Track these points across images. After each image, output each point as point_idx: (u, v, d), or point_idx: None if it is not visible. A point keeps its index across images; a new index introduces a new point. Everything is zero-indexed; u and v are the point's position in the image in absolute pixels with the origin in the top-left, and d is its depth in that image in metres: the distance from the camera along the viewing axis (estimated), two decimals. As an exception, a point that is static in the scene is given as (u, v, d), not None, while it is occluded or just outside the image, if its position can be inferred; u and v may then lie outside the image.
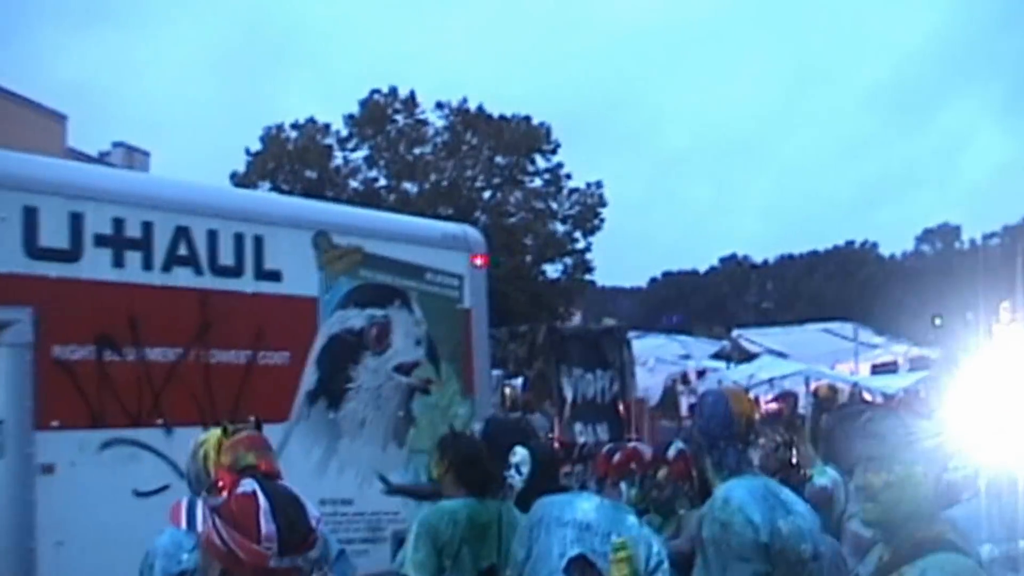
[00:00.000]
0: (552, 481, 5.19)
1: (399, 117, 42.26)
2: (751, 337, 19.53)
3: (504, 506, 4.84)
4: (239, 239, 6.57)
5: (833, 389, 13.78)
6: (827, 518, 5.36)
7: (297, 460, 6.75)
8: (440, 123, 42.70)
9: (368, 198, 41.60)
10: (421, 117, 42.55)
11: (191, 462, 4.04)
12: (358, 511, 7.07)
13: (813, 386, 14.49)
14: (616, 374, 10.37)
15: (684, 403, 15.82)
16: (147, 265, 6.10)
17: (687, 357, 17.63)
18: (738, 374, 15.64)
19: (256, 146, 41.05)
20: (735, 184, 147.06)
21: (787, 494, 3.85)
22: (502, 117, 42.67)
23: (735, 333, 19.55)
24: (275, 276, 6.78)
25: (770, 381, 15.02)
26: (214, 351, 6.38)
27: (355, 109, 42.00)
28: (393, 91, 42.24)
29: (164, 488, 5.92)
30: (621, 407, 10.44)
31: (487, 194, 43.15)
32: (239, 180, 40.42)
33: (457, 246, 7.88)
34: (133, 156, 35.14)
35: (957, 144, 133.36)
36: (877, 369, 19.63)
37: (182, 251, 6.27)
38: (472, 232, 8.19)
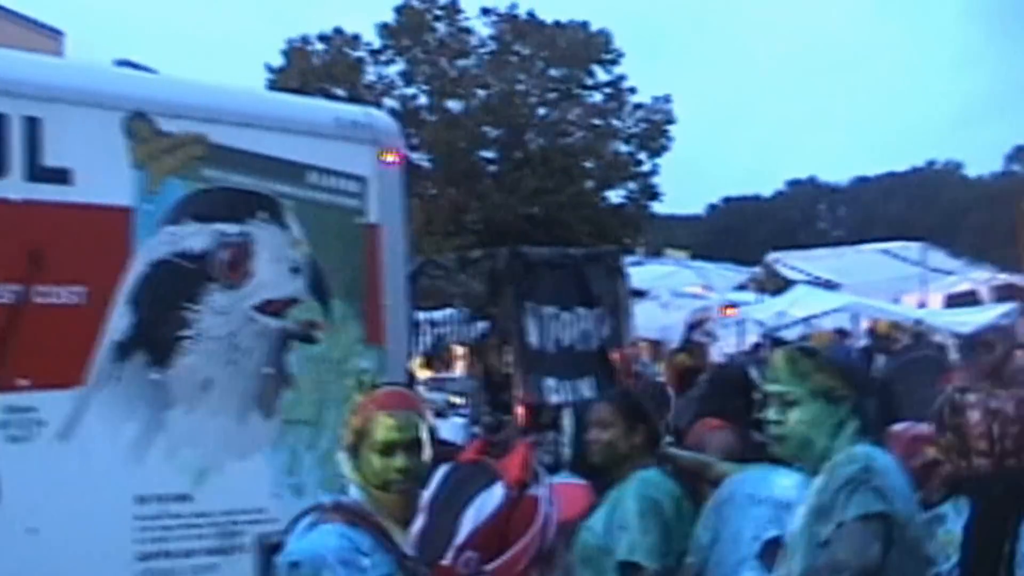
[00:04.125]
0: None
1: (439, 25, 40.46)
2: (791, 262, 16.48)
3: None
4: (-1, 122, 4.83)
5: (896, 326, 11.60)
6: None
7: (99, 441, 5.06)
8: (486, 32, 40.91)
9: (406, 118, 40.04)
10: (464, 25, 40.70)
11: None
12: (200, 511, 5.33)
13: (866, 323, 12.23)
14: (606, 313, 8.46)
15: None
16: None
17: (709, 288, 15.29)
18: (764, 311, 13.23)
19: (278, 61, 39.52)
20: (810, 103, 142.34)
21: None
22: (556, 24, 40.84)
23: (771, 257, 16.75)
24: (60, 176, 5.02)
25: (807, 320, 12.64)
26: (-44, 286, 4.68)
27: (389, 17, 40.20)
28: (433, -5, 40.38)
29: None
30: (616, 355, 8.52)
31: (541, 111, 41.26)
32: (261, 100, 39.00)
33: (357, 136, 6.00)
34: (138, 74, 33.92)
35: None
36: (954, 301, 17.00)
37: None
38: (380, 118, 6.32)
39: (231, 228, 5.52)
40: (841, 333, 12.13)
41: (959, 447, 3.60)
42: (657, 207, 43.59)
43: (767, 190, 78.91)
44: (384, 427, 3.33)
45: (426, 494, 2.83)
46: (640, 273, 14.79)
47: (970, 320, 12.76)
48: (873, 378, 9.39)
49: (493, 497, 2.64)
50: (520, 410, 7.80)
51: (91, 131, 5.12)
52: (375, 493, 3.32)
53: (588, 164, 40.40)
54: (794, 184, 77.63)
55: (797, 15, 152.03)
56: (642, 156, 41.21)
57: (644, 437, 4.52)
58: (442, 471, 2.84)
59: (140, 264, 5.23)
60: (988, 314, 13.20)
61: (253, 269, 5.57)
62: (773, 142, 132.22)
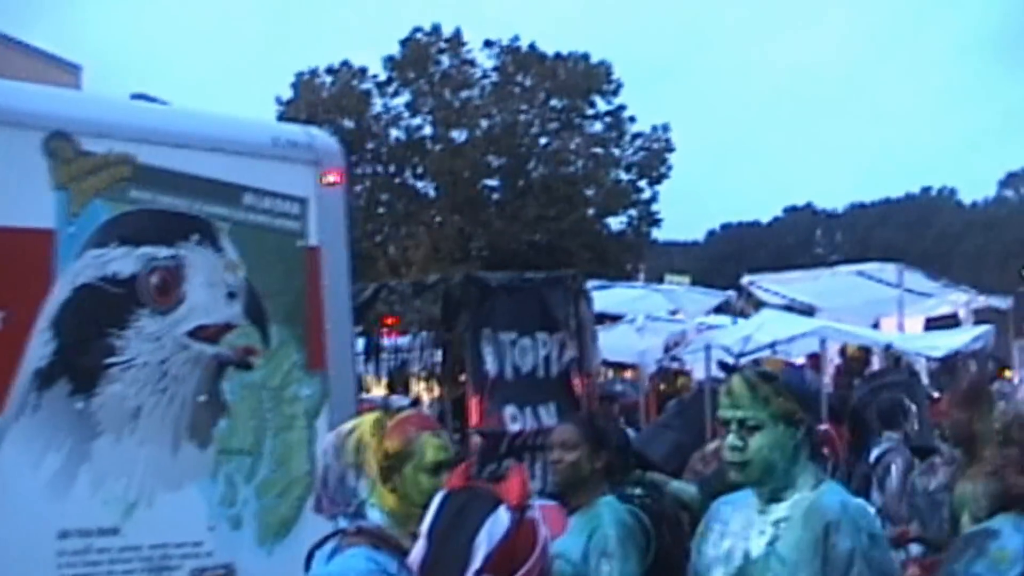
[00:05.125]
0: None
1: (443, 58, 40.29)
2: (767, 285, 15.61)
3: None
4: (-95, 142, 4.52)
5: (864, 349, 11.04)
6: None
7: (19, 473, 4.73)
8: (489, 64, 40.75)
9: (412, 148, 39.88)
10: (468, 57, 40.53)
11: (332, 463, 3.39)
12: (128, 545, 4.98)
13: (836, 348, 11.63)
14: (569, 338, 8.04)
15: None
16: None
17: (679, 312, 14.64)
18: (730, 336, 12.60)
19: (288, 94, 39.36)
20: (807, 131, 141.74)
21: None
22: (557, 56, 40.60)
23: (745, 280, 16.10)
24: (-23, 198, 4.71)
25: (773, 345, 12.10)
26: None
27: (395, 50, 40.05)
28: (436, 29, 40.19)
29: None
30: (577, 382, 8.07)
31: (543, 140, 40.99)
32: (270, 132, 38.84)
33: (297, 156, 5.66)
34: (152, 108, 33.76)
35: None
36: (933, 324, 16.42)
37: None
38: (322, 137, 5.96)
39: (161, 251, 5.18)
40: (814, 359, 11.59)
41: (1020, 463, 3.44)
42: (657, 233, 43.28)
43: (765, 216, 78.79)
44: (433, 448, 3.33)
45: (425, 522, 2.79)
46: (607, 297, 14.28)
47: (942, 344, 12.15)
48: (846, 404, 9.02)
49: (500, 521, 2.54)
50: (476, 438, 7.41)
51: (9, 151, 4.81)
52: (418, 512, 3.16)
53: (589, 192, 40.07)
54: (791, 210, 77.35)
55: (794, 46, 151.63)
56: (642, 184, 40.86)
57: (605, 463, 4.42)
58: (439, 498, 2.75)
59: (63, 288, 4.91)
60: (961, 338, 12.60)
61: (185, 293, 5.24)
62: (771, 169, 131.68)
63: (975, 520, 4.58)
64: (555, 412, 7.65)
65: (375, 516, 3.29)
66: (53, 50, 32.39)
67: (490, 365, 7.54)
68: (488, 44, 40.49)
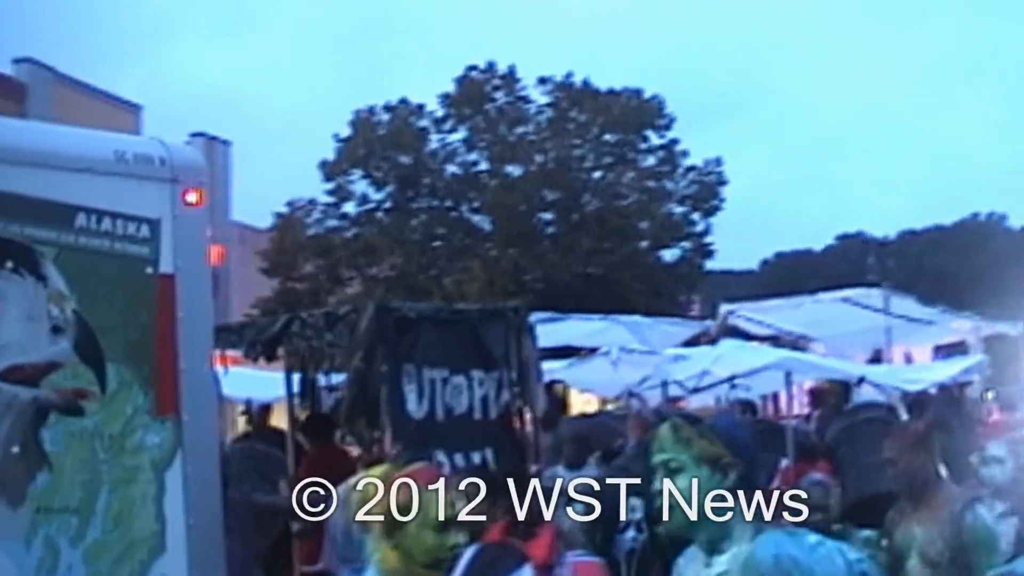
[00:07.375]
0: None
1: (499, 95, 39.51)
2: (750, 315, 13.86)
3: None
4: None
5: (833, 382, 9.72)
6: None
7: None
8: (543, 100, 39.82)
9: (468, 183, 39.24)
10: (522, 94, 39.73)
11: (339, 516, 3.59)
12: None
13: (808, 384, 10.24)
14: (510, 376, 6.95)
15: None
16: None
17: (644, 344, 13.22)
18: (685, 370, 11.12)
19: (346, 131, 38.84)
20: (859, 159, 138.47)
21: None
22: (611, 91, 39.62)
23: (724, 309, 14.47)
24: None
25: (731, 379, 10.77)
26: None
27: (451, 88, 39.40)
28: (491, 67, 39.51)
29: None
30: (519, 424, 6.98)
31: (597, 175, 40.06)
32: (329, 169, 38.43)
33: (147, 173, 4.80)
34: (213, 146, 33.55)
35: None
36: (942, 352, 14.94)
37: None
38: (181, 151, 5.08)
39: (-32, 280, 4.35)
40: (750, 404, 10.20)
41: None
42: (712, 264, 41.91)
43: (818, 244, 76.45)
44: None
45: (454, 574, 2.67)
46: (564, 330, 13.10)
47: (924, 377, 10.78)
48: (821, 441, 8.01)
49: None
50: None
51: None
52: (421, 572, 3.07)
53: (642, 225, 38.94)
54: (843, 238, 75.21)
55: (844, 76, 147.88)
56: (695, 216, 39.70)
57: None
58: (471, 552, 2.70)
59: None
60: (947, 371, 11.23)
61: (-5, 329, 4.39)
62: (823, 198, 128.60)
63: (928, 563, 4.54)
64: (493, 456, 6.61)
65: (371, 574, 3.18)
66: (114, 91, 32.46)
67: (414, 405, 6.53)
68: (542, 81, 39.68)
